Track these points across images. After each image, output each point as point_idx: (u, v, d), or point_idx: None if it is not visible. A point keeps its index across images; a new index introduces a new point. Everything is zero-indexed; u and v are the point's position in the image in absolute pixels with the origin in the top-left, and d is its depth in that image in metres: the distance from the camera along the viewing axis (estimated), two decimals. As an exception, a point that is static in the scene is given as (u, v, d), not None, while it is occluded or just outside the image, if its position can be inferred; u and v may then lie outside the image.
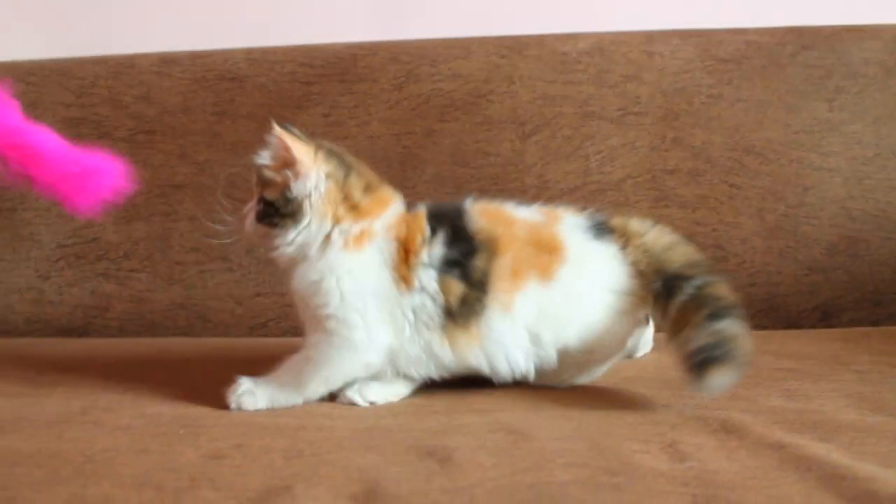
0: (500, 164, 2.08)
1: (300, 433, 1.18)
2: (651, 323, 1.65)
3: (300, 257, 1.39)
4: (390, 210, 1.42)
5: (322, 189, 1.38)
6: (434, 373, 1.40)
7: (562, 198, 2.07)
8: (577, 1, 2.35)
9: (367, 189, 1.42)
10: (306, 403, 1.36)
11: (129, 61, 2.25)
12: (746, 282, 2.07)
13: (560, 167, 2.10)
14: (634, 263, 1.41)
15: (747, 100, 2.10)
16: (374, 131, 2.12)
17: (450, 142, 2.11)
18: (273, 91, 2.18)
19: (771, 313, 2.07)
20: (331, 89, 2.15)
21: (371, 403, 1.37)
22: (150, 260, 2.18)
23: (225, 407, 1.34)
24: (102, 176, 1.51)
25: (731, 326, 1.28)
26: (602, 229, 1.44)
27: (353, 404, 1.36)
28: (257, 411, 1.33)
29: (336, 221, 1.38)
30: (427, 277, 1.35)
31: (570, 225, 1.44)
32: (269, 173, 1.41)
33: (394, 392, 1.40)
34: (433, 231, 1.38)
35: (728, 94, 2.10)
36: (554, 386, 1.44)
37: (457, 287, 1.35)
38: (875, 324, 2.04)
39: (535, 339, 1.38)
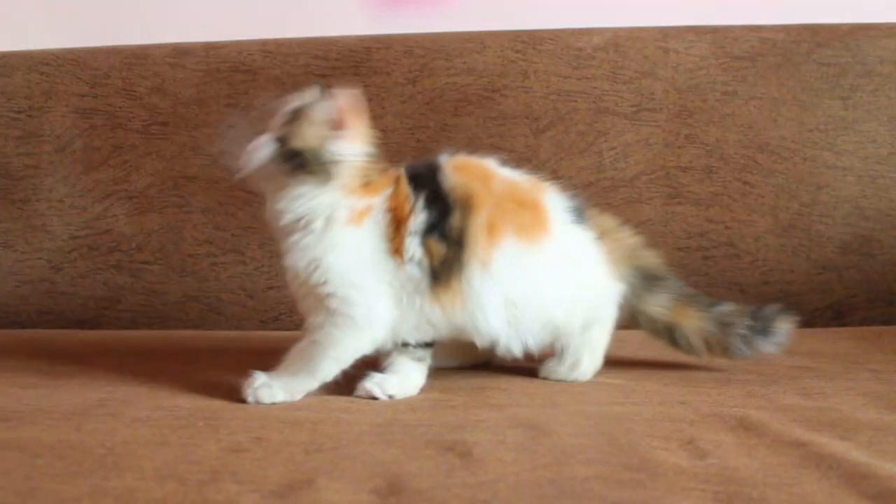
0: (513, 159, 2.04)
1: (319, 427, 1.17)
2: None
3: (300, 226, 1.37)
4: (391, 185, 1.42)
5: (356, 161, 1.38)
6: (429, 335, 1.42)
7: (575, 194, 2.07)
8: (591, -4, 2.36)
9: (383, 170, 1.44)
10: (324, 398, 1.36)
11: (143, 52, 2.25)
12: (759, 280, 2.07)
13: (574, 163, 2.10)
14: (609, 253, 1.49)
15: (761, 97, 2.10)
16: (388, 125, 2.12)
17: (464, 136, 2.10)
18: (287, 83, 2.17)
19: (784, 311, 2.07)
20: (345, 82, 2.15)
21: (390, 397, 1.37)
22: (163, 252, 2.18)
23: (241, 400, 1.34)
24: None
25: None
26: (580, 214, 1.51)
27: (372, 398, 1.36)
28: (274, 404, 1.33)
29: (349, 194, 1.38)
30: (413, 245, 1.36)
31: (554, 198, 1.49)
32: (310, 125, 1.37)
33: (412, 385, 1.41)
34: (415, 195, 1.39)
35: (742, 91, 2.10)
36: (565, 380, 1.47)
37: (438, 248, 1.36)
38: (888, 323, 2.04)
39: (511, 303, 1.39)
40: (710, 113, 2.10)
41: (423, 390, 1.42)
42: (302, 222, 1.37)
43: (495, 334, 1.40)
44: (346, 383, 1.39)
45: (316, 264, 1.35)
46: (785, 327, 1.49)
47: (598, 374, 1.55)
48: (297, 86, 2.14)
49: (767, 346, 1.49)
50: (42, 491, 0.95)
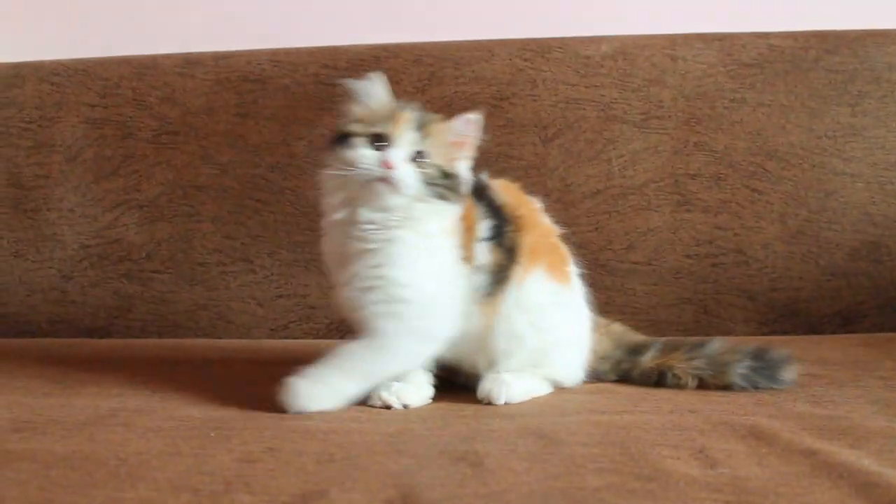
0: (522, 167, 2.08)
1: (331, 437, 1.18)
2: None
3: (398, 236, 1.35)
4: None
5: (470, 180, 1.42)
6: (453, 350, 1.41)
7: (584, 202, 2.08)
8: (600, 4, 2.36)
9: None
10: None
11: (153, 62, 2.26)
12: (768, 287, 2.07)
13: (582, 171, 2.10)
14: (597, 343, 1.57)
15: (770, 104, 2.10)
16: (397, 134, 2.12)
17: (472, 145, 2.10)
18: (296, 92, 2.18)
19: (792, 318, 2.07)
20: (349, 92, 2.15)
21: (405, 406, 1.37)
22: (173, 261, 2.19)
23: (253, 409, 1.34)
24: None
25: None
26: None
27: (386, 406, 1.36)
28: (301, 412, 1.31)
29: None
30: (482, 250, 1.39)
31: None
32: (447, 145, 1.38)
33: (427, 394, 1.41)
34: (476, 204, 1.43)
35: (751, 98, 2.10)
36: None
37: (498, 254, 1.40)
38: (897, 329, 2.04)
39: (535, 328, 1.43)
40: (719, 120, 2.10)
41: (433, 399, 1.42)
42: (404, 233, 1.35)
43: (511, 353, 1.42)
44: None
45: (409, 273, 1.34)
46: (791, 377, 1.49)
47: (609, 381, 1.56)
48: (306, 95, 2.17)
49: (770, 386, 1.48)
50: (56, 503, 0.96)
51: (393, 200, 1.31)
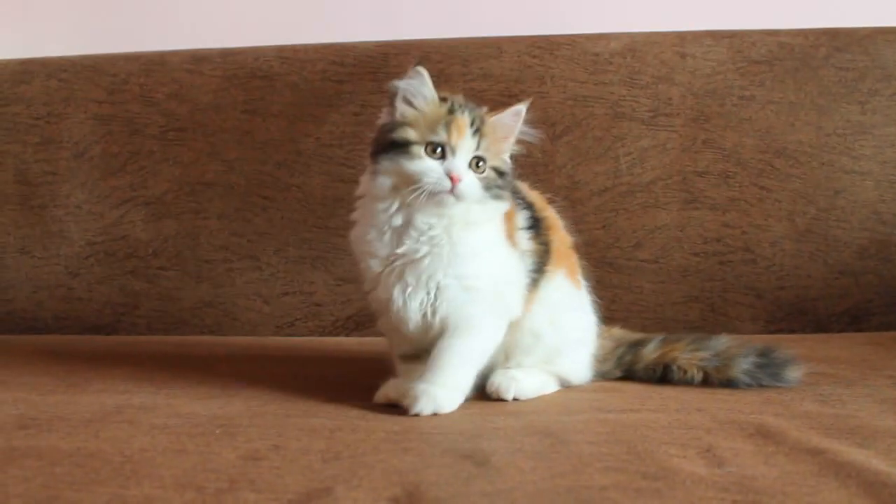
0: (530, 164, 2.06)
1: (336, 434, 1.17)
2: None
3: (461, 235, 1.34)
4: None
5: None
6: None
7: (592, 199, 2.07)
8: (609, 1, 2.36)
9: None
10: (341, 404, 1.35)
11: (161, 58, 2.27)
12: (776, 285, 2.06)
13: (590, 168, 2.10)
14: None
15: (779, 102, 2.09)
16: (404, 131, 2.12)
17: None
18: (304, 89, 2.18)
19: (800, 317, 2.06)
20: (362, 88, 2.16)
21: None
22: (179, 258, 2.19)
23: (259, 406, 1.34)
24: None
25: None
26: None
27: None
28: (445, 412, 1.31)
29: None
30: (523, 238, 1.41)
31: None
32: (499, 140, 1.37)
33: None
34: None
35: (760, 95, 2.09)
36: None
37: (537, 244, 1.42)
38: (905, 328, 2.03)
39: (555, 325, 1.45)
40: (728, 118, 2.09)
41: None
42: (463, 233, 1.34)
43: (531, 349, 1.44)
44: (363, 390, 1.39)
45: (475, 266, 1.34)
46: (795, 376, 1.49)
47: (615, 379, 1.56)
48: (314, 92, 2.17)
49: (774, 384, 1.48)
50: (61, 499, 0.95)
51: (455, 209, 1.31)
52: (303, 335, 2.15)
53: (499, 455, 1.08)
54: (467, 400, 1.33)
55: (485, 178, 1.32)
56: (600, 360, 1.56)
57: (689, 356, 1.53)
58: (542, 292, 1.42)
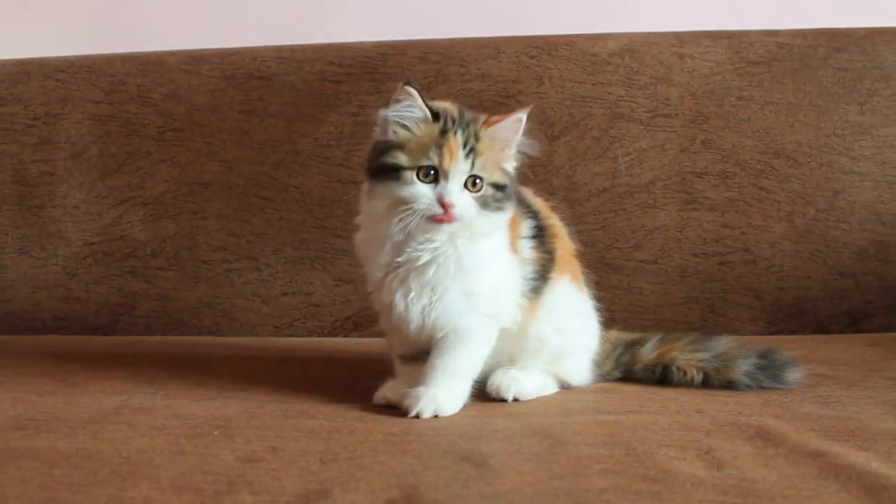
0: (528, 164, 2.05)
1: (334, 436, 1.17)
2: None
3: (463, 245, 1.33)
4: None
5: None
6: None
7: (590, 200, 2.07)
8: (607, 1, 2.35)
9: None
10: (339, 406, 1.35)
11: (158, 59, 2.26)
12: (775, 286, 2.06)
13: (589, 169, 2.09)
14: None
15: (778, 102, 2.09)
16: (403, 131, 2.11)
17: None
18: (302, 90, 2.18)
19: (800, 318, 2.06)
20: (360, 88, 2.15)
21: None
22: (177, 258, 2.19)
23: (257, 407, 1.34)
24: None
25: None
26: None
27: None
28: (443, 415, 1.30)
29: None
30: (525, 247, 1.41)
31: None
32: (496, 152, 1.34)
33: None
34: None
35: (758, 96, 2.09)
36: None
37: (540, 253, 1.42)
38: (904, 329, 2.03)
39: (558, 330, 1.45)
40: (726, 118, 2.09)
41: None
42: (465, 242, 1.32)
43: (537, 353, 1.45)
44: (362, 391, 1.39)
45: (478, 274, 1.33)
46: (795, 378, 1.49)
47: (614, 381, 1.56)
48: (312, 92, 2.16)
49: (773, 386, 1.48)
50: (58, 501, 0.95)
51: (452, 229, 1.30)
52: (301, 336, 2.14)
53: (497, 457, 1.08)
54: (465, 402, 1.33)
55: (481, 196, 1.29)
56: (599, 362, 1.55)
57: (689, 357, 1.53)
58: (546, 298, 1.42)
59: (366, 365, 1.66)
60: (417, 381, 1.34)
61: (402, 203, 1.28)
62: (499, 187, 1.32)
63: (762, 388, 1.47)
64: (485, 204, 1.30)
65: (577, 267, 1.52)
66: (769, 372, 1.48)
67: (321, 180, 2.15)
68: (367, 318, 2.10)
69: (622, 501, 0.93)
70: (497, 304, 1.36)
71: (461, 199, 1.27)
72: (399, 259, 1.32)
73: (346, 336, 2.14)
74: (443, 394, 1.30)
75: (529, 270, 1.40)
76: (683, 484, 0.98)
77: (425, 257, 1.30)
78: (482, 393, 1.39)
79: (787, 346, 1.57)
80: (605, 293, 1.59)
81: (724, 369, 1.50)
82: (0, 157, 2.26)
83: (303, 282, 2.14)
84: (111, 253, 2.20)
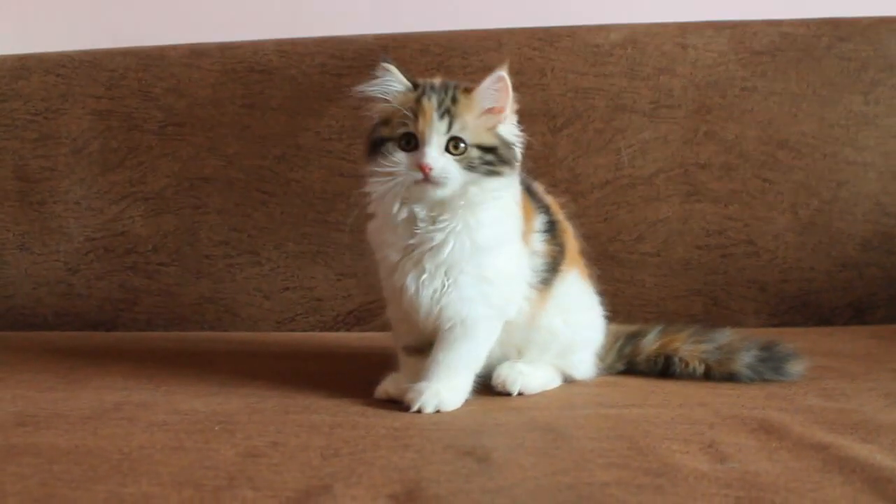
0: (530, 157, 2.02)
1: (336, 431, 1.17)
2: None
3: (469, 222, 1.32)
4: None
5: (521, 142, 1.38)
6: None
7: (593, 192, 2.06)
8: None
9: None
10: (341, 400, 1.35)
11: (159, 53, 2.25)
12: (778, 278, 2.05)
13: (591, 161, 2.09)
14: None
15: (781, 93, 2.07)
16: (405, 124, 2.11)
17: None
18: (303, 83, 2.17)
19: (803, 310, 2.05)
20: (361, 81, 2.11)
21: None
22: (179, 253, 2.18)
23: (258, 403, 1.33)
24: None
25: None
26: None
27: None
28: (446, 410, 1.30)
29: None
30: (537, 241, 1.40)
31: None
32: (479, 115, 1.31)
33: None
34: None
35: (762, 87, 2.08)
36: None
37: (552, 247, 1.42)
38: (909, 321, 2.02)
39: (567, 323, 1.46)
40: (730, 109, 2.08)
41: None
42: (470, 218, 1.31)
43: (547, 346, 1.45)
44: (363, 386, 1.38)
45: (489, 258, 1.33)
46: (797, 370, 1.48)
47: (617, 374, 1.56)
48: (313, 85, 2.15)
49: (775, 378, 1.48)
50: (58, 497, 0.95)
51: (442, 194, 1.29)
52: (303, 330, 2.14)
53: (500, 451, 1.07)
54: (468, 397, 1.33)
55: (465, 157, 1.28)
56: (601, 355, 1.55)
57: (692, 348, 1.53)
58: (557, 290, 1.42)
59: (368, 360, 1.66)
60: (420, 375, 1.33)
61: (388, 175, 1.28)
62: (487, 150, 1.30)
63: (764, 380, 1.46)
64: (471, 167, 1.28)
65: (583, 264, 1.53)
66: (771, 364, 1.48)
67: (323, 174, 2.14)
68: (369, 313, 2.09)
69: (625, 495, 0.93)
70: (506, 295, 1.35)
71: (439, 161, 1.27)
72: (412, 241, 1.31)
73: (347, 331, 2.13)
74: (445, 388, 1.30)
75: (540, 262, 1.40)
76: (687, 477, 0.97)
77: (439, 237, 1.30)
78: (484, 387, 1.38)
79: (791, 339, 1.57)
80: (607, 286, 1.59)
81: (725, 361, 1.49)
82: (1, 153, 2.25)
83: (305, 276, 2.14)
84: (112, 248, 2.20)
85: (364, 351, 1.82)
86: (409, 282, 1.32)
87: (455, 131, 1.28)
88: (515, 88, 1.94)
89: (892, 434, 1.14)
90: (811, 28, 2.10)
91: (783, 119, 2.07)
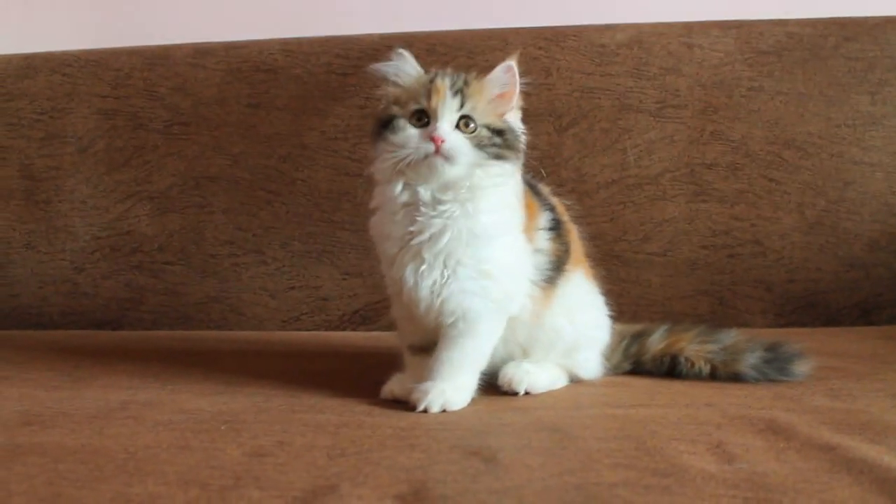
0: (536, 157, 2.03)
1: (342, 430, 1.16)
2: None
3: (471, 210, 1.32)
4: None
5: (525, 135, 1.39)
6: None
7: (599, 192, 2.06)
8: (615, -9, 2.34)
9: None
10: (347, 400, 1.34)
11: (165, 52, 2.25)
12: (785, 278, 2.04)
13: (597, 160, 2.08)
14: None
15: (788, 93, 2.07)
16: (410, 123, 2.11)
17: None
18: (308, 82, 2.17)
19: (810, 310, 2.05)
20: (367, 81, 2.14)
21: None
22: (185, 252, 2.18)
23: (264, 402, 1.33)
24: None
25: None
26: None
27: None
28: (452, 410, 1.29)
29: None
30: (541, 239, 1.40)
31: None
32: (490, 100, 1.34)
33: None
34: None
35: (768, 86, 2.07)
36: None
37: (557, 245, 1.42)
38: (916, 321, 2.01)
39: (573, 322, 1.45)
40: (736, 109, 2.08)
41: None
42: (473, 207, 1.31)
43: (552, 345, 1.45)
44: (369, 385, 1.38)
45: (489, 249, 1.32)
46: (802, 371, 1.48)
47: (624, 374, 1.55)
48: (318, 85, 2.15)
49: (780, 378, 1.48)
50: (64, 497, 0.95)
51: (451, 173, 1.29)
52: (309, 330, 2.14)
53: (506, 451, 1.07)
54: (473, 396, 1.32)
55: (475, 136, 1.29)
56: (607, 355, 1.55)
57: (698, 348, 1.52)
58: (562, 289, 1.42)
59: (373, 359, 1.66)
60: (425, 374, 1.33)
61: (398, 151, 1.29)
62: (496, 132, 1.32)
63: (770, 380, 1.46)
64: (480, 146, 1.29)
65: (587, 265, 1.53)
66: (775, 365, 1.47)
67: (328, 173, 2.14)
68: (375, 312, 2.09)
69: (632, 496, 0.92)
70: (506, 290, 1.34)
71: (451, 136, 1.27)
72: (412, 228, 1.31)
73: (353, 330, 2.13)
74: (451, 388, 1.29)
75: (545, 261, 1.39)
76: (694, 478, 0.97)
77: (437, 224, 1.29)
78: (490, 386, 1.37)
79: (798, 339, 1.56)
80: (614, 286, 1.59)
81: (731, 362, 1.49)
82: (7, 152, 2.25)
83: (310, 276, 2.14)
84: (118, 247, 2.20)
85: (370, 350, 1.81)
86: (408, 273, 1.32)
87: (466, 110, 1.30)
88: (521, 88, 1.95)
89: (899, 435, 1.13)
90: (818, 28, 2.10)
91: (790, 119, 2.06)
